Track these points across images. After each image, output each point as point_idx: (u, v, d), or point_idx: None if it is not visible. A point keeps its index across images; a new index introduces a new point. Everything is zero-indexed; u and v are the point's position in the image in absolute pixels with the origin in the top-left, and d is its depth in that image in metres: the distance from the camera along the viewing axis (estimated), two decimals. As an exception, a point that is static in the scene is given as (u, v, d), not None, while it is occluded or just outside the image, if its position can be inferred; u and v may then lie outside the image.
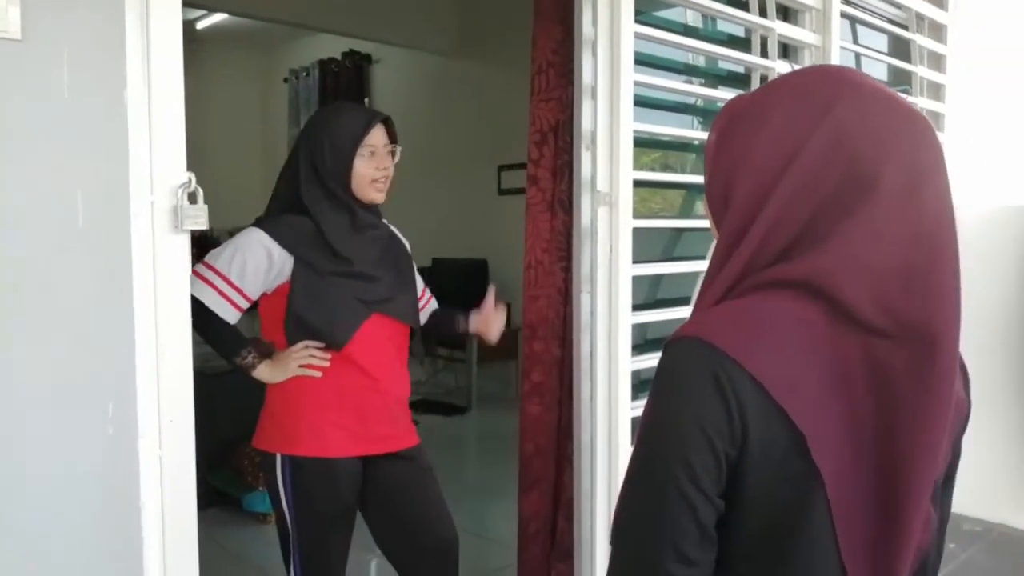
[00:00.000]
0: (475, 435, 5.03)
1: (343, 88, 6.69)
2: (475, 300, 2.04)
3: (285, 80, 7.30)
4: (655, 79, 2.08)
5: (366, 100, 6.54)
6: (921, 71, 2.96)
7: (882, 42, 2.99)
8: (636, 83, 1.94)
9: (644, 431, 0.78)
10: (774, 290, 0.76)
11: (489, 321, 1.98)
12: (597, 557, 2.02)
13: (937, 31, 3.09)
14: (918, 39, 2.95)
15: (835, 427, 0.73)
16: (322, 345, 1.75)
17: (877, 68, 2.90)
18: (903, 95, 0.79)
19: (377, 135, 1.79)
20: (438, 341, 2.08)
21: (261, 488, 3.32)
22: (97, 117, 1.13)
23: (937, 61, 3.09)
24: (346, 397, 1.77)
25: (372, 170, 1.77)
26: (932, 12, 3.02)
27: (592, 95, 1.90)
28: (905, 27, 2.93)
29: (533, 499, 2.28)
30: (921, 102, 2.93)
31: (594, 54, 1.88)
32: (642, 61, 2.00)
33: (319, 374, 1.74)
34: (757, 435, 0.72)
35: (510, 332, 5.60)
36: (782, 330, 0.74)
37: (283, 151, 7.25)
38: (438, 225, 5.56)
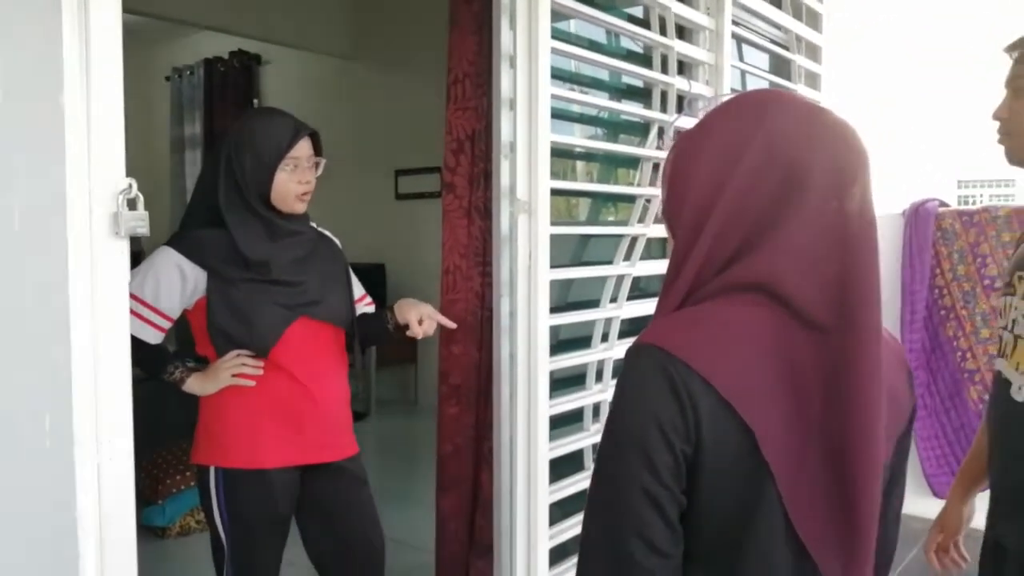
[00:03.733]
0: (376, 440, 5.00)
1: (231, 89, 6.49)
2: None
3: (167, 79, 7.00)
4: (570, 92, 2.18)
5: (255, 101, 6.37)
6: (799, 89, 3.20)
7: (765, 61, 3.22)
8: (553, 96, 2.02)
9: (607, 433, 0.83)
10: (727, 295, 0.82)
11: (426, 315, 1.91)
12: (517, 552, 2.09)
13: (813, 52, 3.35)
14: (797, 59, 3.19)
15: (784, 423, 0.79)
16: (253, 354, 1.74)
17: (761, 85, 3.11)
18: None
19: (302, 148, 1.78)
20: (371, 343, 2.05)
21: (159, 502, 3.21)
22: (33, 121, 1.11)
23: (813, 79, 3.35)
24: (280, 406, 1.76)
25: (295, 184, 1.76)
26: (809, 34, 3.27)
27: (511, 106, 1.96)
28: (786, 48, 3.16)
29: (452, 499, 2.33)
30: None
31: (512, 67, 1.95)
32: (556, 75, 2.09)
33: (252, 383, 1.73)
34: (710, 434, 0.77)
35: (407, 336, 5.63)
36: (733, 333, 0.80)
37: (165, 152, 6.99)
38: (334, 229, 5.45)
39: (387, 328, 1.95)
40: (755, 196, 0.81)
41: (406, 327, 1.90)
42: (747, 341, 0.80)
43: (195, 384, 1.74)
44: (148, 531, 3.24)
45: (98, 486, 1.19)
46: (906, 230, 3.56)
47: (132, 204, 1.19)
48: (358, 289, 2.00)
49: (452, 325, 1.98)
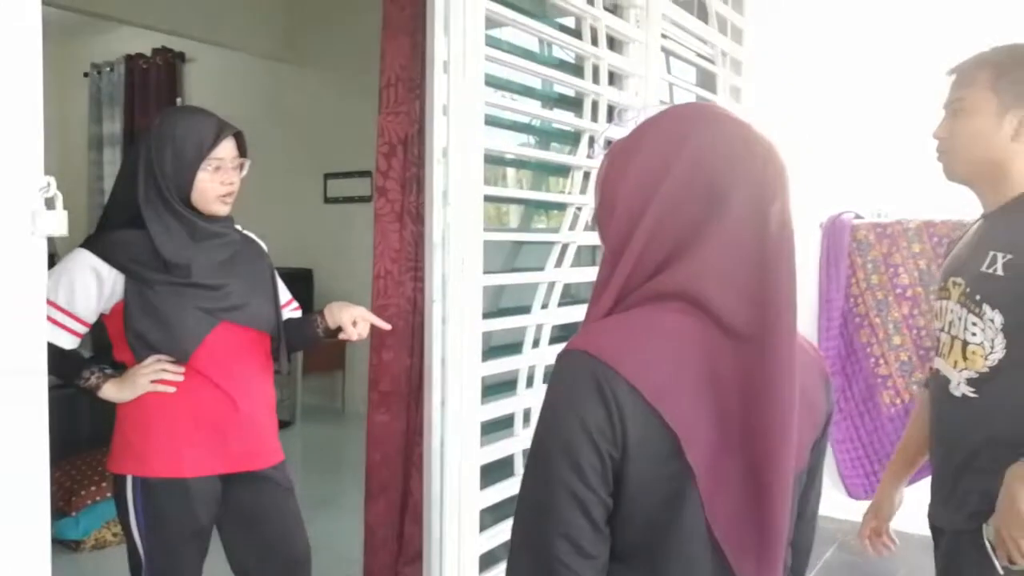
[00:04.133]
0: (302, 448, 4.91)
1: (153, 87, 6.29)
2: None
3: (85, 75, 6.74)
4: (503, 100, 2.19)
5: (179, 100, 6.20)
6: (722, 101, 3.30)
7: (692, 74, 3.30)
8: (486, 103, 2.03)
9: (537, 437, 0.85)
10: (654, 303, 0.85)
11: (359, 316, 1.89)
12: (446, 559, 2.08)
13: (737, 66, 3.45)
14: (721, 73, 3.29)
15: (706, 426, 0.82)
16: (173, 360, 1.69)
17: (688, 98, 3.19)
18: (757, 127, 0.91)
19: (226, 148, 1.74)
20: (298, 348, 2.01)
21: (73, 514, 3.08)
22: (-57, 114, 1.05)
23: (737, 93, 3.46)
24: (201, 413, 1.71)
25: (216, 184, 1.73)
26: (733, 49, 3.37)
27: (444, 112, 1.96)
28: (712, 61, 3.25)
29: (380, 506, 2.30)
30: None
31: (447, 73, 1.95)
32: (489, 82, 2.10)
33: (172, 389, 1.68)
34: (636, 437, 0.80)
35: (337, 343, 5.55)
36: (658, 339, 0.83)
37: (82, 150, 6.72)
38: (261, 233, 5.34)
39: (317, 332, 1.91)
40: (681, 208, 0.84)
41: (337, 330, 1.87)
42: (672, 347, 0.83)
43: (112, 391, 1.69)
44: (61, 545, 3.10)
45: (8, 500, 1.13)
46: (824, 241, 3.71)
47: (50, 203, 1.14)
48: (284, 294, 1.97)
49: (386, 326, 1.96)
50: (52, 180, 1.14)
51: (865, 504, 3.52)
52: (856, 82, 3.69)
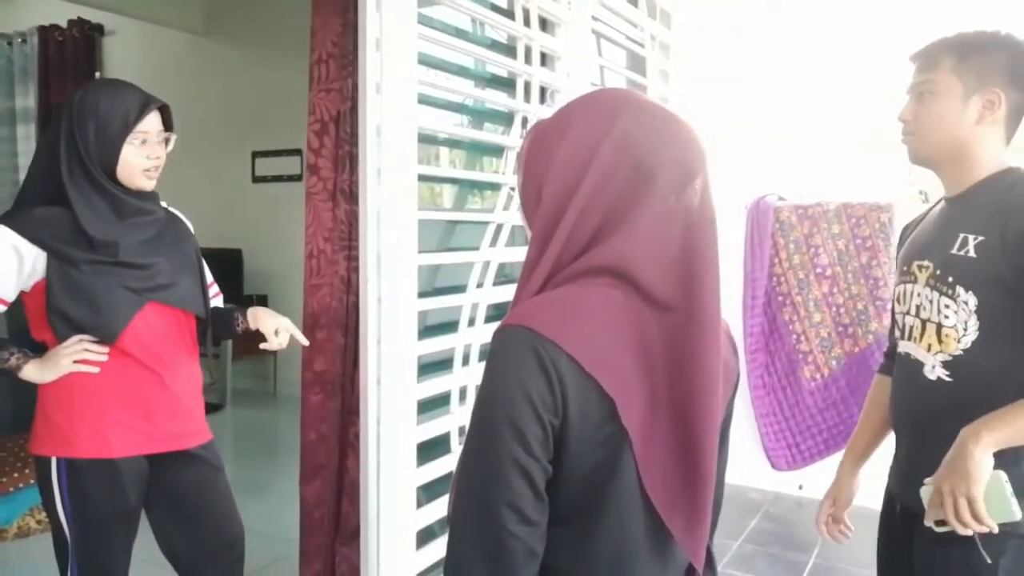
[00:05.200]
0: (233, 432, 4.84)
1: (69, 60, 6.02)
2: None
3: (-5, 46, 6.41)
4: (436, 78, 2.19)
5: (97, 75, 5.96)
6: (652, 84, 3.36)
7: (623, 57, 3.35)
8: (419, 81, 2.03)
9: (479, 409, 0.88)
10: (584, 278, 0.89)
11: (283, 327, 1.91)
12: (383, 537, 2.10)
13: (665, 50, 3.52)
14: (651, 56, 3.35)
15: (638, 393, 0.86)
16: (97, 339, 1.65)
17: (618, 81, 3.24)
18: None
19: (151, 121, 1.71)
20: (216, 336, 1.99)
21: (-10, 502, 2.98)
22: None
23: (665, 76, 3.53)
24: (127, 393, 1.68)
25: (142, 159, 1.70)
26: (662, 33, 3.43)
27: (378, 90, 1.95)
28: (642, 45, 3.31)
29: (317, 486, 2.30)
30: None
31: (379, 50, 1.94)
32: (422, 61, 2.10)
33: (96, 370, 1.64)
34: (575, 405, 0.84)
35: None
36: (592, 312, 0.87)
37: (-8, 126, 6.39)
38: (187, 213, 5.22)
39: (236, 330, 1.92)
40: (608, 188, 0.88)
41: (256, 332, 1.89)
42: (604, 320, 0.87)
43: (33, 371, 1.64)
44: (-23, 534, 3.00)
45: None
46: (748, 222, 3.82)
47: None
48: (207, 275, 1.94)
49: (306, 341, 1.99)
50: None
51: (788, 476, 3.72)
52: (781, 66, 3.81)
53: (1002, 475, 1.23)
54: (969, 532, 1.23)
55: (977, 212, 1.39)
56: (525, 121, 2.53)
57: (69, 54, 6.06)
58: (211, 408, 5.25)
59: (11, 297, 1.64)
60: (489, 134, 2.61)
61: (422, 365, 2.21)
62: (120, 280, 1.66)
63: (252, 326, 1.91)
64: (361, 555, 2.13)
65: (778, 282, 3.79)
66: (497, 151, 2.62)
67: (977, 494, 1.21)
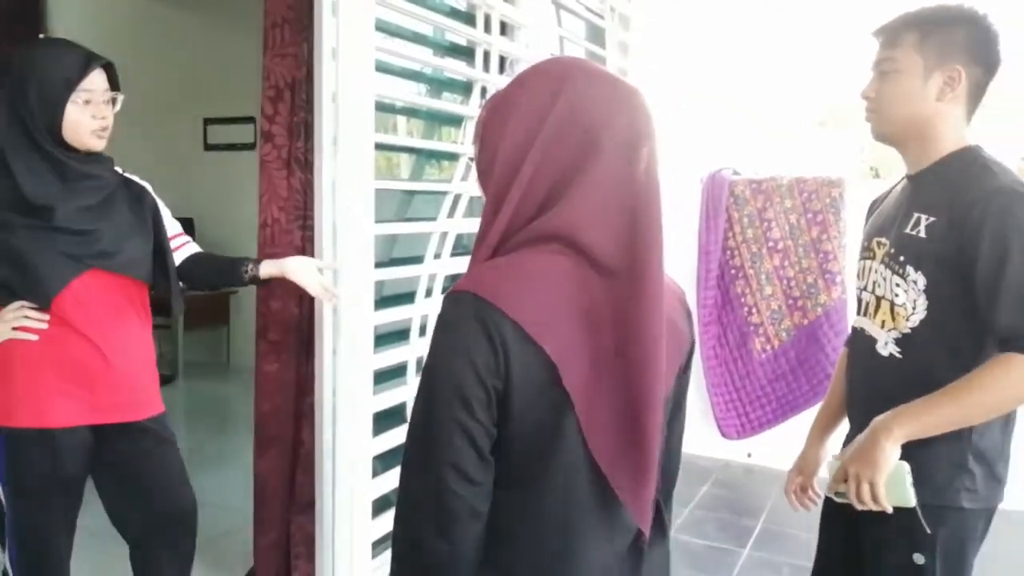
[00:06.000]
0: (186, 404, 4.78)
1: (11, 21, 5.77)
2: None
3: (-73, 2, 6.12)
4: (395, 45, 2.16)
5: (41, 36, 5.73)
6: (611, 56, 3.36)
7: (582, 29, 3.34)
8: (377, 48, 2.00)
9: (424, 373, 0.90)
10: (535, 244, 0.90)
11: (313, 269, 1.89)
12: (339, 508, 2.10)
13: (625, 22, 3.52)
14: (610, 28, 3.34)
15: (582, 357, 0.88)
16: (37, 307, 1.61)
17: (577, 51, 3.23)
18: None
19: (95, 80, 1.66)
20: (213, 287, 1.99)
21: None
22: None
23: (624, 48, 3.53)
24: (67, 363, 1.65)
25: (88, 119, 1.65)
26: (621, 5, 3.43)
27: (334, 56, 1.92)
28: (601, 16, 3.30)
29: (271, 457, 2.29)
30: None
31: (335, 15, 1.91)
32: (380, 28, 2.07)
33: (34, 337, 1.61)
34: (518, 369, 0.85)
35: (220, 296, 5.37)
36: (539, 278, 0.88)
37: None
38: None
39: (242, 277, 1.88)
40: (556, 155, 0.90)
41: (264, 281, 1.89)
42: (551, 285, 0.88)
43: None
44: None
45: None
46: (703, 196, 3.87)
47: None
48: (173, 227, 1.90)
49: (336, 299, 1.96)
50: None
51: (737, 444, 3.81)
52: (740, 42, 3.83)
53: (905, 466, 1.30)
54: (863, 508, 1.32)
55: (932, 192, 1.40)
56: (484, 91, 2.51)
57: (10, 15, 5.80)
58: (163, 380, 5.18)
59: None
60: (448, 103, 2.59)
61: (379, 336, 2.20)
62: (58, 245, 1.62)
63: (264, 275, 1.87)
64: (317, 525, 2.14)
65: (732, 255, 3.85)
66: (456, 121, 2.60)
67: (879, 482, 1.29)
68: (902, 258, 1.41)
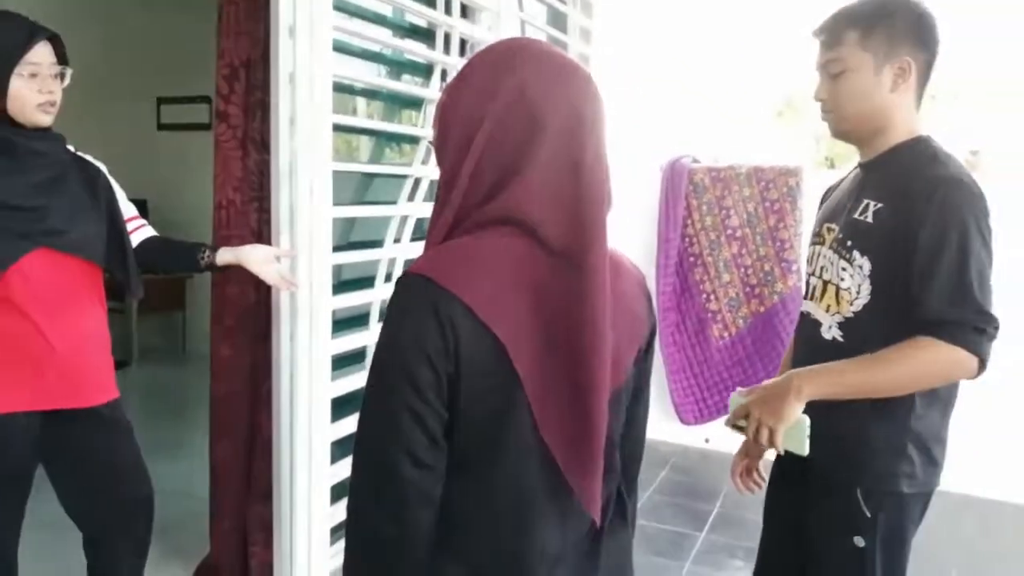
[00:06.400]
0: (140, 390, 4.68)
1: (-49, -8, 5.57)
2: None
3: None
4: (353, 25, 2.12)
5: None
6: (572, 41, 3.36)
7: (543, 13, 3.32)
8: (336, 27, 1.96)
9: (376, 356, 0.89)
10: (484, 228, 0.90)
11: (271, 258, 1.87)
12: (297, 495, 2.08)
13: (587, 8, 3.51)
14: (572, 13, 3.33)
15: (531, 338, 0.88)
16: None
17: (539, 35, 3.22)
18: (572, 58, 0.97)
19: (41, 53, 1.61)
20: (168, 270, 1.97)
21: None
22: None
23: (587, 34, 3.52)
24: (11, 346, 1.60)
25: (34, 93, 1.60)
26: (583, -10, 3.42)
27: (291, 34, 1.88)
28: (563, 1, 3.29)
29: (227, 443, 2.26)
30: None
31: (293, -7, 1.87)
32: (339, 7, 2.03)
33: None
34: (468, 351, 0.85)
35: (176, 280, 5.27)
36: (488, 261, 0.88)
37: None
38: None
39: (198, 263, 1.85)
40: (504, 138, 0.89)
41: (222, 268, 1.87)
42: (500, 268, 0.88)
43: None
44: None
45: None
46: (663, 183, 3.89)
47: None
48: (128, 209, 1.85)
49: (295, 288, 1.94)
50: None
51: (695, 429, 3.85)
52: (701, 31, 3.85)
53: (806, 420, 1.34)
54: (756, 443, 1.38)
55: (881, 179, 1.43)
56: (445, 73, 2.48)
57: (-49, -15, 5.60)
58: (117, 365, 5.09)
59: None
60: (407, 85, 2.56)
61: (337, 321, 2.18)
62: (6, 222, 1.57)
63: (220, 262, 1.84)
64: (274, 511, 2.11)
65: (690, 243, 3.88)
66: (416, 103, 2.57)
67: (780, 431, 1.34)
68: (849, 243, 1.44)
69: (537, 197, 0.88)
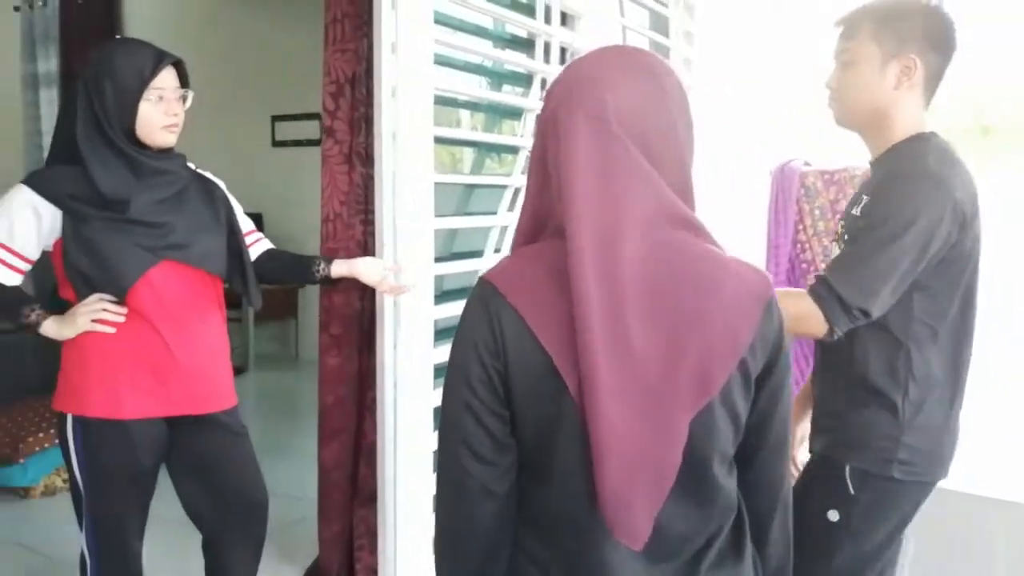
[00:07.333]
0: (256, 395, 4.89)
1: (90, 23, 6.01)
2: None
3: (16, 9, 6.40)
4: (454, 38, 2.15)
5: (117, 37, 5.95)
6: (675, 44, 3.29)
7: (645, 17, 3.28)
8: (437, 40, 1.99)
9: (449, 355, 0.94)
10: (553, 236, 0.91)
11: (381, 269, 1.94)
12: (399, 499, 2.11)
13: (690, 10, 3.43)
14: (674, 16, 3.27)
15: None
16: (116, 300, 1.66)
17: (640, 41, 3.17)
18: (661, 64, 0.93)
19: (167, 78, 1.70)
20: (284, 282, 2.10)
21: (20, 461, 3.04)
22: None
23: (689, 37, 3.44)
24: (139, 355, 1.69)
25: (160, 115, 1.69)
26: (686, -8, 3.35)
27: (393, 50, 1.92)
28: (665, 4, 3.23)
29: (334, 448, 2.32)
30: (677, 75, 3.25)
31: (395, 8, 1.91)
32: (439, 20, 2.06)
33: (111, 330, 1.65)
34: (514, 355, 0.87)
35: (289, 289, 5.49)
36: (544, 268, 0.89)
37: (15, 90, 6.42)
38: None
39: (313, 276, 1.94)
40: (570, 146, 0.88)
41: (335, 280, 1.95)
42: (555, 275, 0.87)
43: (51, 327, 1.66)
44: (8, 492, 3.07)
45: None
46: (773, 188, 3.75)
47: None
48: (246, 224, 1.94)
49: (409, 287, 1.98)
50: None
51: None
52: (810, 28, 3.70)
53: None
54: None
55: (877, 176, 1.47)
56: (544, 82, 2.48)
57: (89, 17, 6.04)
58: (235, 371, 5.33)
59: (33, 255, 1.66)
60: (506, 96, 2.57)
61: (439, 330, 2.20)
62: (133, 238, 1.66)
63: (335, 274, 1.93)
64: (379, 517, 2.15)
65: (802, 249, 3.72)
66: (516, 113, 2.58)
67: None
68: (847, 237, 1.48)
69: (583, 206, 0.86)
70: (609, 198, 0.85)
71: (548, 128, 0.90)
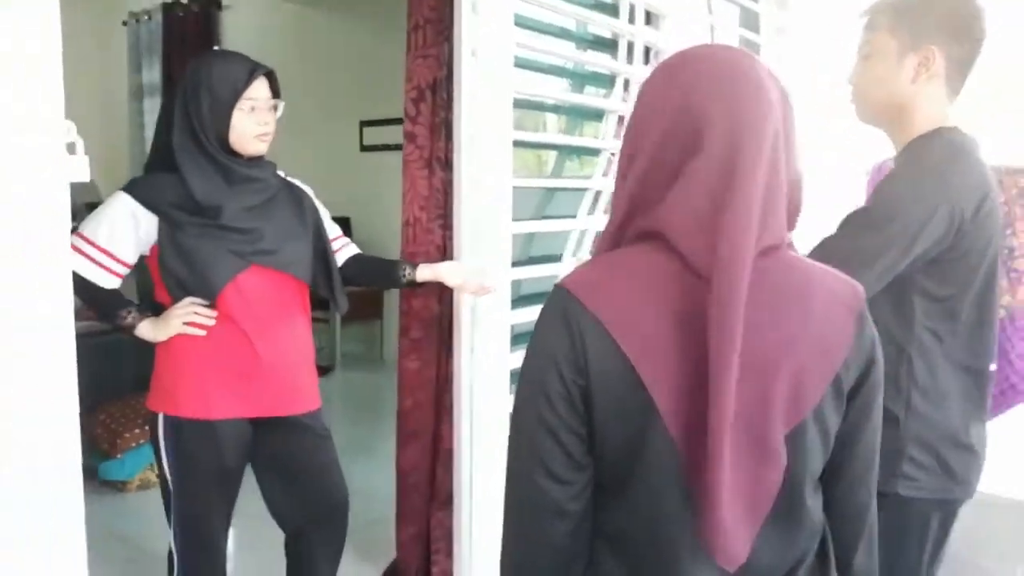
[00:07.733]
0: (340, 395, 5.00)
1: (190, 34, 6.29)
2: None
3: (124, 23, 6.76)
4: (535, 41, 2.13)
5: (215, 48, 6.19)
6: (766, 41, 3.18)
7: (735, 14, 3.17)
8: (518, 43, 1.98)
9: (521, 366, 0.89)
10: (637, 242, 0.86)
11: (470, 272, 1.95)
12: (476, 503, 2.10)
13: (782, 4, 3.31)
14: (765, 11, 3.16)
15: (671, 363, 0.80)
16: (207, 304, 1.71)
17: (729, 38, 3.07)
18: (758, 64, 0.87)
19: (259, 88, 1.75)
20: (371, 285, 2.18)
21: (118, 456, 3.18)
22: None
23: (781, 33, 3.32)
24: (227, 358, 1.74)
25: (253, 125, 1.74)
26: (777, -13, 3.23)
27: (473, 54, 1.92)
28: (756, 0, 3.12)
29: (412, 451, 2.33)
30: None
31: (476, 13, 1.90)
32: (520, 23, 2.04)
33: (202, 332, 1.71)
34: (597, 366, 0.82)
35: (375, 291, 5.59)
36: (628, 275, 0.84)
37: (123, 99, 6.78)
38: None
39: (399, 279, 1.96)
40: (665, 150, 0.85)
41: (420, 284, 1.96)
42: (640, 284, 0.84)
43: (147, 329, 1.73)
44: (107, 486, 3.21)
45: (40, 452, 1.16)
46: (869, 187, 3.58)
47: (71, 148, 1.14)
48: (332, 230, 1.98)
49: (492, 287, 1.98)
50: (72, 125, 1.13)
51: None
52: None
53: None
54: None
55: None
56: (627, 84, 2.43)
57: (190, 29, 6.32)
58: (321, 371, 5.46)
59: (131, 259, 1.73)
60: (587, 97, 2.53)
61: (515, 335, 2.19)
62: (224, 243, 1.71)
63: (420, 279, 1.95)
64: (455, 520, 2.15)
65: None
66: (597, 115, 2.54)
67: None
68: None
69: (680, 214, 0.83)
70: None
71: (667, 138, 0.84)
